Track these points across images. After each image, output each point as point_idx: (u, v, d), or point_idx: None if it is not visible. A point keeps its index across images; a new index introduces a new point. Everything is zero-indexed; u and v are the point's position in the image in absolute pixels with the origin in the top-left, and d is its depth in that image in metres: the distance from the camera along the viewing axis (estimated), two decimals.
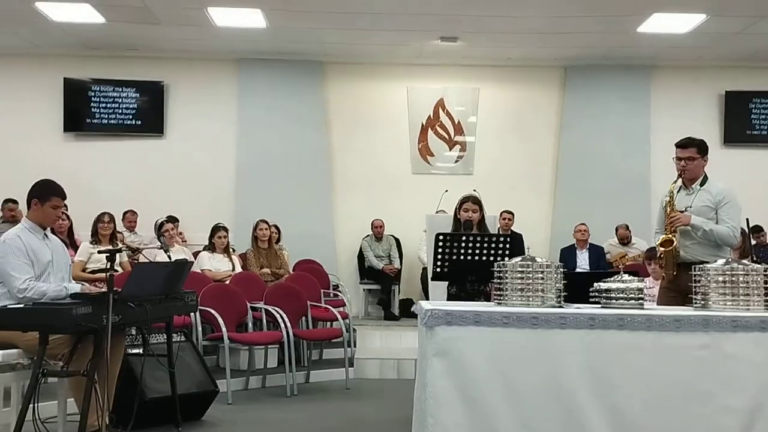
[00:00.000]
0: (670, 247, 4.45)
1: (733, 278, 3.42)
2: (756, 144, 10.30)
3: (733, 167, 9.69)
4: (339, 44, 9.56)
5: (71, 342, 3.95)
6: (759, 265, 3.51)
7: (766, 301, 3.42)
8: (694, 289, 3.54)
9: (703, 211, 4.47)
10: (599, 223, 9.43)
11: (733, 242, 4.46)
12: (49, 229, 4.35)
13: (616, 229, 9.39)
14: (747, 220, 6.75)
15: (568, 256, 9.05)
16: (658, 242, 4.57)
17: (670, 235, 4.46)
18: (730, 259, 3.55)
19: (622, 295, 3.42)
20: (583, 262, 9.09)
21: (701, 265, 3.57)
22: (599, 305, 3.45)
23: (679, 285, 4.35)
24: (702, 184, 4.56)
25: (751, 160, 10.17)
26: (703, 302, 3.48)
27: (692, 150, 4.56)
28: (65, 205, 4.84)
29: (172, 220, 8.01)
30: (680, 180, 4.62)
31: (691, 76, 10.23)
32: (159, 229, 7.40)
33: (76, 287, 4.24)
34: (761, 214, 8.57)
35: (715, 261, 3.90)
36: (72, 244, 6.88)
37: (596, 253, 9.16)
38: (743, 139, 10.26)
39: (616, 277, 3.51)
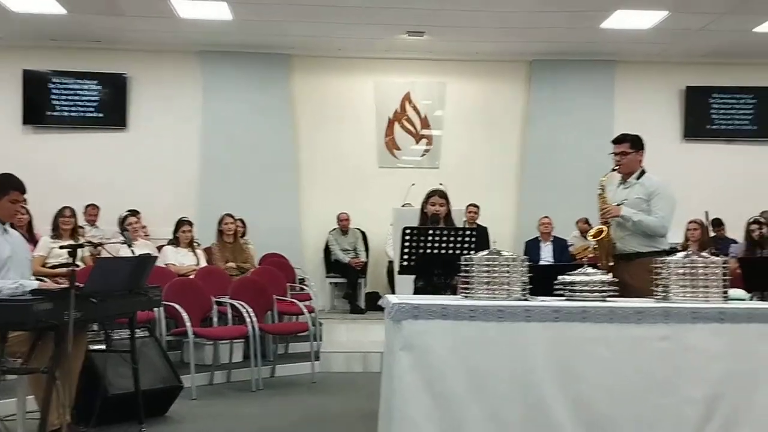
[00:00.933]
0: (600, 237, 4.56)
1: (693, 270, 3.48)
2: (715, 138, 10.46)
3: (693, 161, 9.93)
4: (306, 37, 9.50)
5: (31, 339, 3.87)
6: (718, 258, 3.59)
7: (724, 293, 3.49)
8: (654, 282, 3.59)
9: (637, 203, 4.58)
10: (564, 215, 9.50)
11: (661, 232, 4.54)
12: (8, 223, 4.26)
13: (576, 223, 9.48)
14: (706, 213, 6.91)
15: (532, 248, 9.14)
16: (590, 234, 4.70)
17: (601, 226, 4.56)
18: (690, 252, 3.61)
19: (586, 288, 3.46)
20: (547, 254, 9.19)
21: (662, 258, 3.64)
22: (564, 298, 3.49)
23: (617, 276, 4.43)
24: (638, 178, 4.69)
25: (711, 155, 10.34)
26: (663, 294, 3.54)
27: (625, 145, 4.71)
28: (24, 199, 4.75)
29: (134, 213, 7.89)
30: (616, 174, 4.77)
31: (653, 71, 10.35)
32: (122, 223, 7.28)
33: (33, 284, 4.13)
34: (720, 207, 8.73)
35: (650, 251, 4.05)
36: (31, 239, 6.74)
37: (560, 245, 9.26)
38: (703, 133, 10.42)
39: (580, 269, 3.56)
